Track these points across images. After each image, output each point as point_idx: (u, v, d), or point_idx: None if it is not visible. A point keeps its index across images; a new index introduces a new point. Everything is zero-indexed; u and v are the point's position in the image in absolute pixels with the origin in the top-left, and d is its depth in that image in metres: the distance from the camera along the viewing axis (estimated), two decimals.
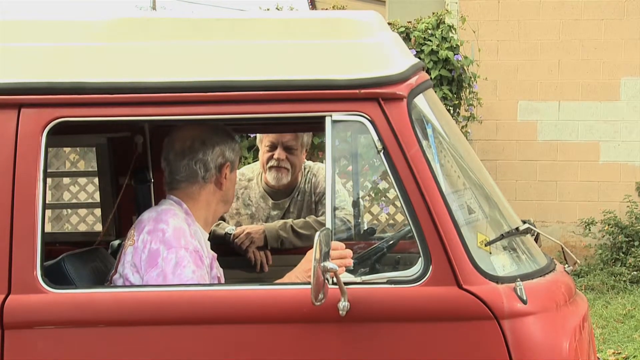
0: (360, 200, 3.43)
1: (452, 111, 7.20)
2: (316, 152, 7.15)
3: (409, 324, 2.13)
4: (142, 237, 2.41)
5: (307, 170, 3.64)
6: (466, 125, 7.47)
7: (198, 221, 2.54)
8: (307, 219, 3.44)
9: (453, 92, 7.15)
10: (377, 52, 2.22)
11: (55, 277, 2.39)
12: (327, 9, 8.68)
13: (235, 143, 2.59)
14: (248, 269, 3.33)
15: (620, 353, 5.58)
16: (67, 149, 7.19)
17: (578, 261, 2.47)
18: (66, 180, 7.76)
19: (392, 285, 2.12)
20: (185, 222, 2.46)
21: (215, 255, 2.58)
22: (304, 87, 2.17)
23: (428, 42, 7.01)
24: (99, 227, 4.31)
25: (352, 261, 2.18)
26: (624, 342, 5.85)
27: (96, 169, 3.51)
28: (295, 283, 2.34)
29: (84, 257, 2.75)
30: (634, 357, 5.50)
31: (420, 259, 2.12)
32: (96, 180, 3.62)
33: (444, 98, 6.97)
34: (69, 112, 2.19)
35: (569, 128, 8.37)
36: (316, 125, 2.29)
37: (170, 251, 2.35)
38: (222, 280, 2.59)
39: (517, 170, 8.39)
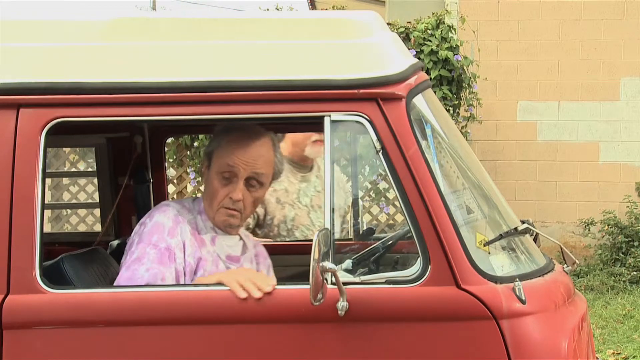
0: (360, 200, 3.43)
1: (451, 111, 7.20)
2: None
3: (408, 324, 2.13)
4: (135, 229, 2.47)
5: None
6: (466, 125, 7.48)
7: (209, 217, 2.52)
8: None
9: (453, 92, 7.15)
10: (376, 52, 2.22)
11: (54, 277, 2.39)
12: (326, 9, 8.68)
13: (227, 136, 2.50)
14: None
15: (619, 353, 5.58)
16: (67, 149, 7.20)
17: (577, 261, 2.47)
18: (66, 180, 7.78)
19: (391, 286, 2.12)
20: (174, 218, 2.44)
21: (218, 257, 2.54)
22: (302, 87, 2.17)
23: (428, 43, 7.01)
24: (98, 228, 4.32)
25: (261, 292, 2.13)
26: (624, 342, 5.86)
27: (95, 169, 3.51)
28: (295, 283, 2.33)
29: (83, 258, 2.75)
30: (634, 357, 5.51)
31: (419, 259, 2.13)
32: (95, 180, 3.62)
33: (443, 98, 6.97)
34: (68, 112, 2.19)
35: (569, 128, 8.37)
36: (315, 126, 2.29)
37: (139, 246, 2.38)
38: None
39: (517, 170, 8.40)
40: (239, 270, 2.33)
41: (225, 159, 2.46)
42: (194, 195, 6.98)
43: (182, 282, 2.38)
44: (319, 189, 3.66)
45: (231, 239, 2.55)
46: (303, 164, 3.68)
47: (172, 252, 2.38)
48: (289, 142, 3.65)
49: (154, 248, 2.37)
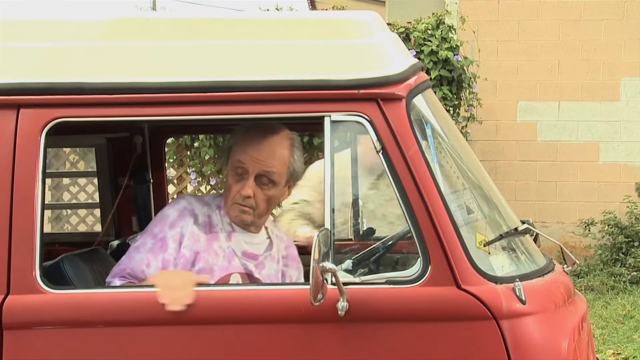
0: (360, 200, 3.42)
1: (452, 111, 7.20)
2: (316, 152, 7.16)
3: (408, 324, 2.13)
4: None
5: None
6: (466, 125, 7.47)
7: (226, 212, 2.52)
8: None
9: (453, 92, 7.15)
10: (376, 52, 2.22)
11: (54, 277, 2.39)
12: (326, 9, 8.68)
13: (245, 133, 2.49)
14: None
15: (620, 354, 5.58)
16: (67, 150, 7.20)
17: (577, 261, 2.47)
18: (66, 180, 7.78)
19: (391, 286, 2.12)
20: (181, 210, 2.47)
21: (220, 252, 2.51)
22: (303, 87, 2.17)
23: (428, 43, 7.01)
24: (98, 228, 4.33)
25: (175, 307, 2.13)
26: (624, 342, 5.85)
27: (95, 170, 3.51)
28: (295, 283, 2.34)
29: (83, 258, 2.75)
30: (634, 357, 5.51)
31: (419, 259, 2.13)
32: (96, 180, 3.63)
33: (443, 98, 6.97)
34: (68, 112, 2.19)
35: (569, 128, 8.37)
36: (315, 126, 2.29)
37: (143, 236, 2.46)
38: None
39: (517, 170, 8.39)
40: (172, 274, 2.30)
41: (237, 155, 2.46)
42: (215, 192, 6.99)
43: (156, 265, 2.39)
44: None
45: (253, 236, 2.54)
46: None
47: (165, 242, 2.41)
48: None
49: (153, 239, 2.43)
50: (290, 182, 2.54)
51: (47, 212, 7.07)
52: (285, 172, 2.49)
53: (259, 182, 2.45)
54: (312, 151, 7.20)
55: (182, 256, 2.41)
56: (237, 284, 2.41)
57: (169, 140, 7.02)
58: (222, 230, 2.49)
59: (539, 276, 2.29)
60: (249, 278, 2.48)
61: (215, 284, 2.39)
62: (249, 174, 2.44)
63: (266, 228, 2.60)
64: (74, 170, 7.73)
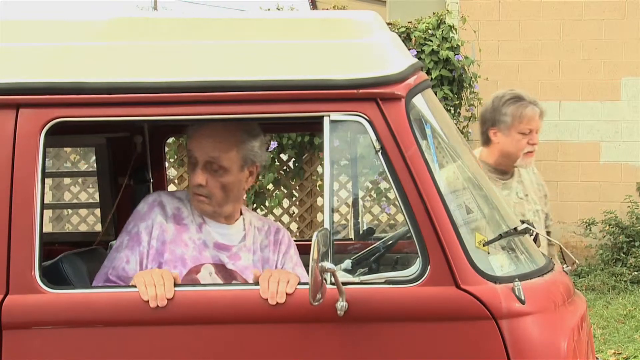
0: (360, 200, 3.42)
1: (452, 111, 7.20)
2: (316, 152, 7.16)
3: (407, 324, 2.13)
4: None
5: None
6: (467, 125, 7.47)
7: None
8: None
9: (454, 92, 7.15)
10: (375, 52, 2.22)
11: (54, 277, 2.39)
12: (327, 9, 8.68)
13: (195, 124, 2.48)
14: None
15: (620, 353, 5.58)
16: (68, 149, 7.21)
17: (577, 261, 2.47)
18: (67, 180, 7.79)
19: (390, 286, 2.12)
20: (150, 203, 2.49)
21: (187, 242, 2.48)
22: (302, 87, 2.17)
23: (429, 42, 7.01)
24: (99, 227, 4.33)
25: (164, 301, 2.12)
26: (625, 342, 5.85)
27: (95, 169, 3.51)
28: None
29: (83, 257, 2.75)
30: (635, 357, 5.51)
31: (418, 259, 2.13)
32: (96, 180, 3.62)
33: (444, 98, 6.97)
34: (68, 112, 2.19)
35: (570, 128, 8.37)
36: (314, 125, 2.29)
37: (121, 235, 2.50)
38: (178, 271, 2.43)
39: None
40: (150, 271, 2.27)
41: (189, 145, 2.47)
42: None
43: (144, 263, 2.40)
44: (521, 195, 3.59)
45: (226, 227, 2.52)
46: (506, 171, 3.58)
47: (139, 236, 2.44)
48: (495, 152, 3.52)
49: (128, 235, 2.46)
50: (247, 166, 2.49)
51: (48, 212, 7.07)
52: (235, 157, 2.44)
53: (210, 169, 2.43)
54: (313, 151, 7.21)
55: (152, 247, 2.43)
56: (236, 284, 2.41)
57: (170, 140, 7.02)
58: (192, 222, 2.49)
59: (539, 276, 2.29)
60: (222, 269, 2.48)
61: (216, 284, 2.40)
62: (198, 162, 2.43)
63: (244, 219, 2.58)
64: (74, 170, 7.74)
